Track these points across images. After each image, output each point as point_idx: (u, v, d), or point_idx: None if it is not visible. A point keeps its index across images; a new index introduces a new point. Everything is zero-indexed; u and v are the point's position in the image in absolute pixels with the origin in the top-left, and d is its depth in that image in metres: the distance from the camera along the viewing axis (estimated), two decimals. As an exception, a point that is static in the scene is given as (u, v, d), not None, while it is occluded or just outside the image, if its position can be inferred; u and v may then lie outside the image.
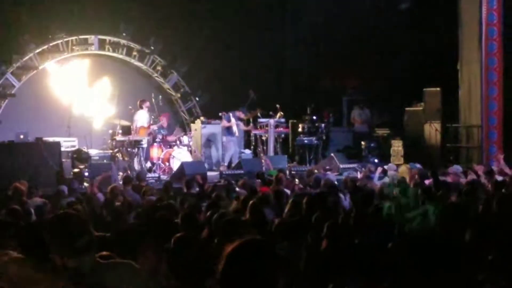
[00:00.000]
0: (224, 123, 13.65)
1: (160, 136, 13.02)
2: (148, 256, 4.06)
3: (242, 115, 13.82)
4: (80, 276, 2.56)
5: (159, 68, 15.12)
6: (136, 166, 12.42)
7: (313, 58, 16.51)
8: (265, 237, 4.46)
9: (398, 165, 11.52)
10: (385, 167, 10.90)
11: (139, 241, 4.35)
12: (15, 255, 3.18)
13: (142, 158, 12.61)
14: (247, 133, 14.45)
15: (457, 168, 9.98)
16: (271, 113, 14.06)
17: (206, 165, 12.62)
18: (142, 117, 13.05)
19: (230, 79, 15.37)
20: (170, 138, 13.26)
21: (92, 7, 14.07)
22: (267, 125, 13.94)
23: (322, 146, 14.40)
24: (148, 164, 12.89)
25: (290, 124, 14.88)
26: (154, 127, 13.06)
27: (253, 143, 14.21)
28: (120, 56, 14.69)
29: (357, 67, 16.15)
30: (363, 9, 15.39)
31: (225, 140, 13.62)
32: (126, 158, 12.54)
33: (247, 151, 14.03)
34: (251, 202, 5.75)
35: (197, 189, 8.76)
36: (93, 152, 12.68)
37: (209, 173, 12.10)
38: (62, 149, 11.80)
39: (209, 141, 13.85)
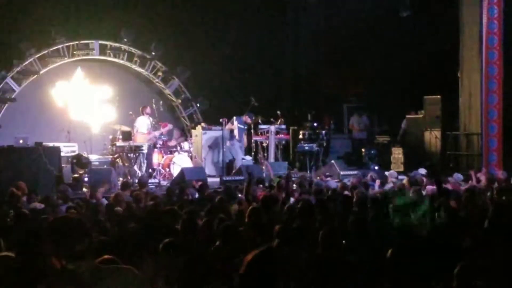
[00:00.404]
0: (229, 125, 13.62)
1: (160, 142, 13.02)
2: (148, 261, 4.05)
3: (248, 120, 13.80)
4: (79, 280, 2.55)
5: (160, 73, 15.14)
6: (138, 171, 12.40)
7: (314, 65, 16.54)
8: (264, 242, 4.45)
9: (398, 172, 11.53)
10: (386, 173, 10.90)
11: (139, 246, 4.34)
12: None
13: (142, 164, 12.60)
14: (248, 139, 14.43)
15: (458, 176, 9.99)
16: (272, 119, 14.07)
17: (214, 171, 12.52)
18: (142, 123, 13.04)
19: (231, 85, 15.39)
20: (171, 144, 13.26)
21: (93, 12, 14.10)
22: (267, 132, 13.94)
23: (322, 152, 14.40)
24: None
25: (290, 131, 14.89)
26: (156, 133, 13.04)
27: (254, 150, 14.21)
28: (121, 62, 14.70)
29: (357, 75, 16.19)
30: (363, 17, 15.42)
31: (228, 144, 13.59)
32: (126, 164, 12.52)
33: (248, 157, 14.02)
34: (250, 207, 5.75)
35: (197, 195, 8.74)
36: (93, 157, 12.66)
37: (210, 179, 12.09)
38: (62, 154, 11.78)
39: (215, 147, 13.82)
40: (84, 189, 10.79)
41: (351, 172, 12.87)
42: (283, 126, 14.14)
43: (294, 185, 9.74)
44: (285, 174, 10.38)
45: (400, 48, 15.06)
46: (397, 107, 15.26)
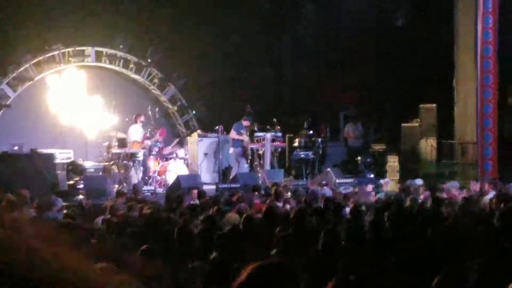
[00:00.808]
0: (233, 134, 13.52)
1: (156, 149, 12.98)
2: (144, 270, 4.02)
3: (248, 123, 13.76)
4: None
5: (156, 80, 15.12)
6: (134, 178, 12.35)
7: (311, 74, 16.57)
8: (263, 250, 4.43)
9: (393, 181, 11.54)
10: (382, 181, 10.90)
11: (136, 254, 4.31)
12: None
13: (138, 171, 12.56)
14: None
15: (455, 184, 10.00)
16: (268, 127, 14.06)
17: (210, 178, 12.48)
18: (135, 131, 13.00)
19: (227, 93, 15.38)
20: (166, 151, 13.22)
21: (89, 18, 14.08)
22: (263, 139, 13.92)
23: (318, 160, 14.40)
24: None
25: (286, 138, 14.88)
26: (149, 142, 12.97)
27: (250, 157, 14.18)
28: (117, 68, 14.68)
29: (354, 83, 16.23)
30: (360, 26, 15.49)
31: (231, 151, 13.55)
32: (122, 171, 12.48)
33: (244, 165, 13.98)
34: (245, 214, 5.75)
35: (192, 202, 8.72)
36: (89, 164, 12.61)
37: (206, 187, 12.05)
38: (58, 161, 11.73)
39: (211, 154, 13.78)
40: (80, 196, 10.74)
41: (347, 180, 12.87)
42: (279, 134, 14.12)
43: (289, 193, 9.73)
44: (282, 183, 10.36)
45: (396, 56, 15.12)
46: (393, 116, 15.30)
